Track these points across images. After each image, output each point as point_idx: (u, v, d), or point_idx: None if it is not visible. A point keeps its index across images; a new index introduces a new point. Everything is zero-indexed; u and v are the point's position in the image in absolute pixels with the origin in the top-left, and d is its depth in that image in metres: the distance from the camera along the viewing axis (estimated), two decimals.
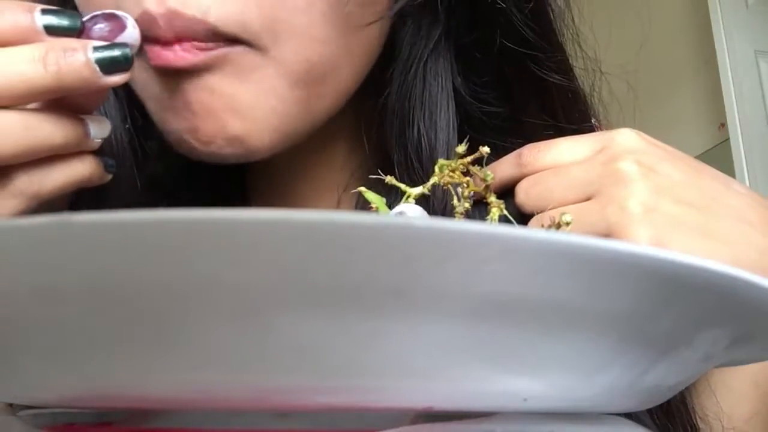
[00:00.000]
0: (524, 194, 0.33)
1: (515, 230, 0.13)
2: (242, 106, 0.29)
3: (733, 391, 0.35)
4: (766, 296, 0.16)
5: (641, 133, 0.32)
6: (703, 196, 0.30)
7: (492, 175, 0.34)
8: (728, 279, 0.15)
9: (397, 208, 0.33)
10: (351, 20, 0.30)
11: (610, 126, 0.40)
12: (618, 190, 0.30)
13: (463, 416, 0.19)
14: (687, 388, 0.34)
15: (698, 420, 0.34)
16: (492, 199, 0.34)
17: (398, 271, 0.13)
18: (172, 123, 0.29)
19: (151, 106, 0.30)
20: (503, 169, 0.34)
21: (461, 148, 0.34)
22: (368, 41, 0.32)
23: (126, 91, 0.35)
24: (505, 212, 0.33)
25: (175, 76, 0.28)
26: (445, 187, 0.35)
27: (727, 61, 1.96)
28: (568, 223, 0.31)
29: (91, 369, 0.16)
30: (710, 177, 0.31)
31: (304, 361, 0.15)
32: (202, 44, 0.27)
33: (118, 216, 0.12)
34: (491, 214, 0.33)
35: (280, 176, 0.39)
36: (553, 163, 0.33)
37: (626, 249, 0.14)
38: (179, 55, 0.27)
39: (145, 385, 0.16)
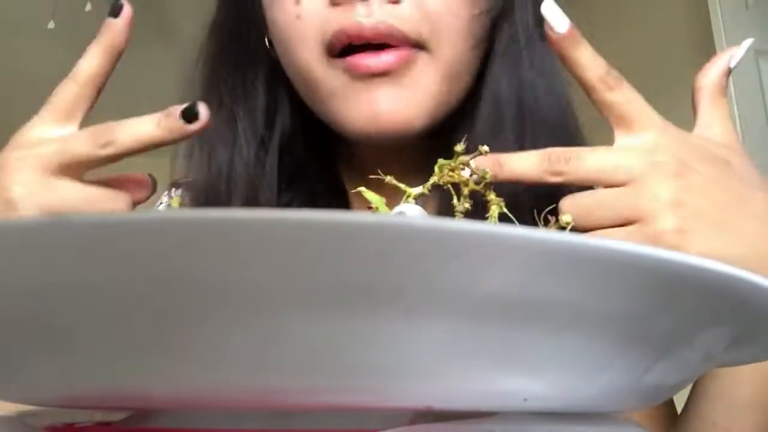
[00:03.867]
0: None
1: (515, 230, 0.13)
2: (412, 99, 0.40)
3: (735, 373, 0.37)
4: (766, 296, 0.16)
5: (681, 131, 0.35)
6: (729, 195, 0.33)
7: (491, 174, 0.34)
8: (729, 279, 0.15)
9: (397, 208, 0.33)
10: (478, 25, 0.42)
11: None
12: (653, 182, 0.32)
13: (463, 416, 0.19)
14: None
15: (700, 398, 0.38)
16: (492, 197, 0.34)
17: (399, 271, 0.13)
18: (356, 112, 0.40)
19: (335, 104, 0.41)
20: (524, 166, 0.36)
21: (460, 147, 0.34)
22: (482, 47, 0.44)
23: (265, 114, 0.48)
24: (505, 210, 0.33)
25: (366, 80, 0.40)
26: (445, 187, 0.35)
27: None
28: (568, 223, 0.31)
29: (91, 369, 0.16)
30: (738, 179, 0.34)
31: (305, 361, 0.15)
32: (401, 51, 0.39)
33: (118, 216, 0.12)
34: (491, 212, 0.33)
35: (370, 172, 0.47)
36: (594, 174, 0.34)
37: (626, 249, 0.14)
38: (384, 63, 0.39)
39: (145, 385, 0.16)
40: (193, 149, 0.48)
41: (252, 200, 0.46)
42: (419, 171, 0.46)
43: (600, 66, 0.35)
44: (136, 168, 0.40)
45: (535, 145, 0.41)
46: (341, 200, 0.49)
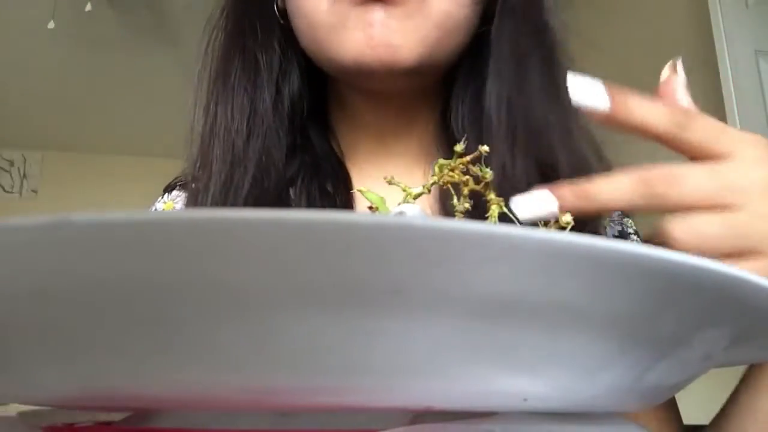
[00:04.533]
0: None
1: (515, 230, 0.13)
2: (403, 30, 0.43)
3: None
4: (766, 296, 0.16)
5: None
6: None
7: (491, 173, 0.34)
8: (728, 279, 0.15)
9: (397, 208, 0.33)
10: None
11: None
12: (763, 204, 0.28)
13: (463, 416, 0.19)
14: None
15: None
16: (491, 196, 0.34)
17: (398, 271, 0.13)
18: (353, 38, 0.43)
19: (333, 37, 0.44)
20: (618, 196, 0.30)
21: (460, 147, 0.34)
22: (475, 17, 0.46)
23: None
24: (505, 209, 0.33)
25: (363, 5, 0.43)
26: (444, 187, 0.35)
27: (727, 61, 1.96)
28: (568, 223, 0.31)
29: (90, 369, 0.16)
30: None
31: (304, 361, 0.15)
32: None
33: (117, 216, 0.12)
34: (491, 212, 0.33)
35: (374, 158, 0.51)
36: (696, 198, 0.30)
37: (627, 249, 0.14)
38: None
39: (144, 385, 0.16)
40: (217, 99, 0.49)
41: (267, 155, 0.48)
42: (413, 125, 0.51)
43: (663, 113, 0.30)
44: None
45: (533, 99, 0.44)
46: (341, 174, 0.51)
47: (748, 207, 0.28)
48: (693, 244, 0.28)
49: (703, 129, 0.30)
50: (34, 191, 3.66)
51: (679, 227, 0.29)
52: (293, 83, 0.51)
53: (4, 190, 3.65)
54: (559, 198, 0.30)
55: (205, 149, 0.48)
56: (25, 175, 3.68)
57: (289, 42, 0.50)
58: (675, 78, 0.34)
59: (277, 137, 0.48)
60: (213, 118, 0.48)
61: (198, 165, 0.49)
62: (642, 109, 0.30)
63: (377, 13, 0.43)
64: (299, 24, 0.47)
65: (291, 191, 0.49)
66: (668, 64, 0.35)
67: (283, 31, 0.50)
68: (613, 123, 0.30)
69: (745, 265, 0.28)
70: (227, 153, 0.47)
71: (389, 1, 0.43)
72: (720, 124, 0.30)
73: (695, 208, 0.29)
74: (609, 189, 0.30)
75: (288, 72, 0.51)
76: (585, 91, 0.30)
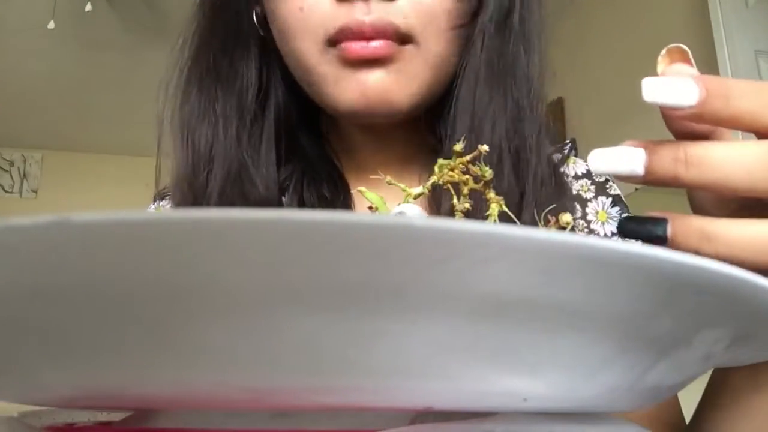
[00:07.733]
0: None
1: (515, 230, 0.13)
2: (399, 84, 0.43)
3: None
4: (766, 296, 0.16)
5: None
6: None
7: (491, 172, 0.34)
8: (728, 279, 0.15)
9: (397, 208, 0.33)
10: (461, 14, 0.44)
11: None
12: None
13: (463, 416, 0.19)
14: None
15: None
16: (491, 195, 0.34)
17: (398, 271, 0.13)
18: (347, 95, 0.43)
19: (328, 87, 0.44)
20: (744, 160, 0.23)
21: (459, 147, 0.34)
22: (458, 49, 0.46)
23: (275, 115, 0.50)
24: (505, 208, 0.33)
25: (358, 66, 0.42)
26: (444, 186, 0.35)
27: (727, 61, 1.96)
28: (568, 223, 0.31)
29: (90, 369, 0.16)
30: None
31: (304, 361, 0.15)
32: (390, 42, 0.42)
33: (117, 216, 0.12)
34: (491, 211, 0.33)
35: (370, 165, 0.51)
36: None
37: (626, 249, 0.14)
38: (373, 48, 0.41)
39: (144, 385, 0.16)
40: (183, 134, 0.47)
41: (236, 177, 0.46)
42: (404, 140, 0.51)
43: None
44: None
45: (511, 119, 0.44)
46: (337, 178, 0.51)
47: None
48: None
49: None
50: (34, 191, 3.67)
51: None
52: (279, 95, 0.49)
53: (4, 190, 3.65)
54: (650, 156, 0.23)
55: (182, 184, 0.47)
56: (25, 175, 3.68)
57: (271, 55, 0.48)
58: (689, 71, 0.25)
59: (265, 164, 0.47)
60: (188, 158, 0.46)
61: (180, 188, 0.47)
62: (746, 97, 0.22)
63: (372, 75, 0.42)
64: (289, 62, 0.46)
65: (284, 199, 0.48)
66: (666, 51, 0.25)
67: (263, 45, 0.48)
68: (706, 119, 0.23)
69: None
70: (211, 198, 0.46)
71: (384, 61, 0.42)
72: None
73: None
74: (727, 154, 0.23)
75: (272, 89, 0.49)
76: (664, 86, 0.22)
